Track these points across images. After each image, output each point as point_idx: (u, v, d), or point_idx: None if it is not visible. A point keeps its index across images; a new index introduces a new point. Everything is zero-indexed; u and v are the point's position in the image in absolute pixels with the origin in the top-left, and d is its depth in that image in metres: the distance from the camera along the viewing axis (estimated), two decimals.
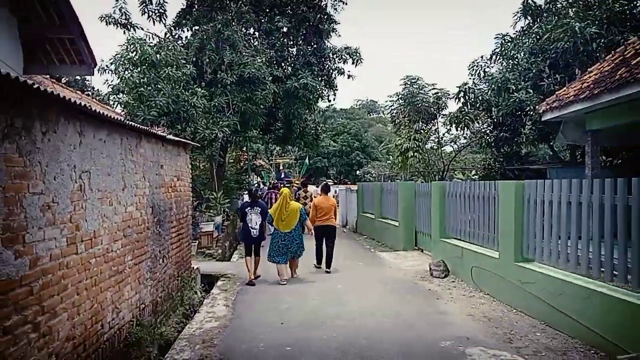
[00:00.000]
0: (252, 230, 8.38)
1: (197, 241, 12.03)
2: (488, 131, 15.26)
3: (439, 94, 14.97)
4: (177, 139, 7.14)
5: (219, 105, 13.23)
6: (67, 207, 3.66)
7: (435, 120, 15.15)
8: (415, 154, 13.90)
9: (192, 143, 8.25)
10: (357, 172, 36.99)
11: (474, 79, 16.48)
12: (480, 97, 15.80)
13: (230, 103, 13.48)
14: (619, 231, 4.81)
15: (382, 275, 8.80)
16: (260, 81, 13.68)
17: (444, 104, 15.00)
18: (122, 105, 12.54)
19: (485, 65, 16.49)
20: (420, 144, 14.05)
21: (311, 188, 29.94)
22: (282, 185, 21.95)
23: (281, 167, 37.41)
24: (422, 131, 14.23)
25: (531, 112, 12.83)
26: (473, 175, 19.77)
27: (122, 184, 4.87)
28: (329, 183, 18.89)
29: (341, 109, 55.40)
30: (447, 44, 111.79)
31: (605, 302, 4.76)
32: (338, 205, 12.80)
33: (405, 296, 7.15)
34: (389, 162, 35.78)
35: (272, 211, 8.50)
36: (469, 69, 16.39)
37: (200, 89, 12.72)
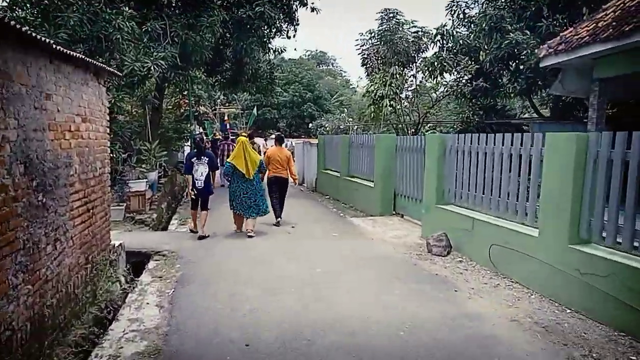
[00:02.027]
0: (197, 181, 7.94)
1: (125, 204, 9.56)
2: (464, 81, 13.42)
3: (419, 34, 12.86)
4: (79, 56, 4.62)
5: (152, 32, 10.38)
6: None
7: (414, 65, 13.11)
8: (391, 102, 11.87)
9: (109, 69, 5.71)
10: (310, 125, 34.72)
11: (453, 20, 14.53)
12: (460, 41, 13.93)
13: (168, 30, 10.65)
14: None
15: (367, 251, 6.91)
16: (206, 4, 10.89)
17: (425, 46, 12.94)
18: (20, 24, 9.46)
19: (465, 6, 14.53)
20: (397, 90, 12.00)
21: (258, 141, 27.59)
22: (229, 136, 19.56)
23: (226, 118, 34.41)
24: (398, 76, 12.15)
25: (527, 57, 11.13)
26: (429, 130, 18.07)
27: None
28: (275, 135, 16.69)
29: (290, 59, 52.06)
30: None
31: None
32: (294, 160, 11.14)
33: (410, 285, 5.30)
34: (344, 114, 33.77)
35: (233, 159, 8.07)
36: (447, 10, 14.38)
37: (128, 8, 9.82)
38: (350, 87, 60.76)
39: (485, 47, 12.10)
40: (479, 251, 6.15)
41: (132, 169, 10.49)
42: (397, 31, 12.47)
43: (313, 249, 7.00)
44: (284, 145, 9.64)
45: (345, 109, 34.11)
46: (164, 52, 10.27)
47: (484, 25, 11.89)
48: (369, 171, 10.69)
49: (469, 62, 12.91)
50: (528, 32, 11.22)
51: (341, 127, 30.71)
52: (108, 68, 5.76)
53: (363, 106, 34.54)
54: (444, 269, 5.99)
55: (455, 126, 13.87)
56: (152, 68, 9.87)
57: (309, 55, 66.83)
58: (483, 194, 6.36)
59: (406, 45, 12.43)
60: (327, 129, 32.82)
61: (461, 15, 14.45)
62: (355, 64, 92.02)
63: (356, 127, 29.27)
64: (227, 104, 38.88)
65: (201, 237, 7.75)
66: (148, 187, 10.63)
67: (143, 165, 10.87)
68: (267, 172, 8.88)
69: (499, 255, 5.72)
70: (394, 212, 9.81)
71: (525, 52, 11.01)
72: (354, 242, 7.52)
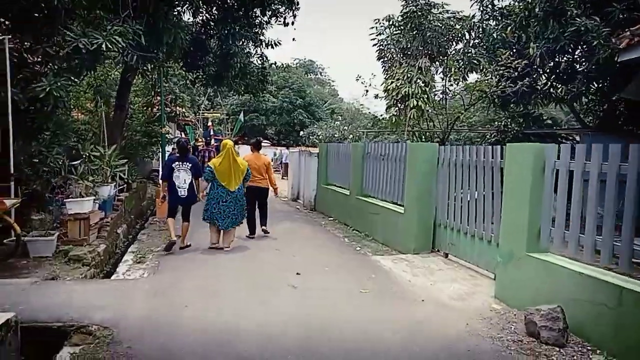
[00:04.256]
0: (179, 189, 7.23)
1: (57, 232, 6.76)
2: (504, 81, 10.92)
3: (452, 20, 10.35)
4: None
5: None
6: None
7: (445, 58, 10.59)
8: (420, 103, 9.29)
9: None
10: (301, 132, 32.05)
11: (482, 11, 12.17)
12: (494, 35, 11.54)
13: None
14: None
15: (429, 331, 4.21)
16: None
17: (460, 35, 10.44)
18: None
19: None
20: (427, 89, 9.44)
21: (245, 149, 24.93)
22: (212, 142, 17.09)
23: (210, 124, 31.69)
24: (426, 71, 9.61)
25: (597, 49, 8.70)
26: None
27: None
28: (265, 143, 14.24)
29: (278, 67, 49.64)
30: None
31: None
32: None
33: None
34: (338, 122, 31.22)
35: (214, 164, 7.29)
36: (473, 0, 11.98)
37: None
38: (338, 97, 58.67)
39: (538, 34, 9.63)
40: (635, 343, 3.53)
41: (75, 182, 7.67)
42: (427, 14, 9.93)
43: (340, 330, 4.26)
44: (261, 151, 8.77)
45: (340, 117, 31.63)
46: (121, 27, 7.50)
47: (536, 10, 9.42)
48: (395, 191, 8.08)
49: (511, 58, 10.49)
50: (597, 19, 8.80)
51: (335, 135, 28.25)
52: None
53: (356, 114, 32.02)
54: None
55: (490, 136, 11.36)
56: (104, 46, 7.12)
57: (296, 64, 64.74)
58: None
59: (437, 33, 9.90)
60: (320, 137, 30.27)
61: (489, 7, 12.12)
62: (343, 74, 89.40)
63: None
64: (211, 109, 36.13)
65: (181, 248, 7.24)
66: (97, 207, 7.84)
67: (91, 178, 8.02)
68: None
69: None
70: (434, 249, 7.17)
71: (596, 42, 8.56)
72: (399, 310, 4.81)
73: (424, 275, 6.00)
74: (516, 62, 9.89)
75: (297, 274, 5.89)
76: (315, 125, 31.05)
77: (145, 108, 14.06)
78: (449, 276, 5.95)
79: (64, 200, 7.17)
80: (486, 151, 5.84)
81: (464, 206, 6.38)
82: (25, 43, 7.80)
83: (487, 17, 12.26)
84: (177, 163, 7.27)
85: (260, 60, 13.55)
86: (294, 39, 12.09)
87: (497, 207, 5.64)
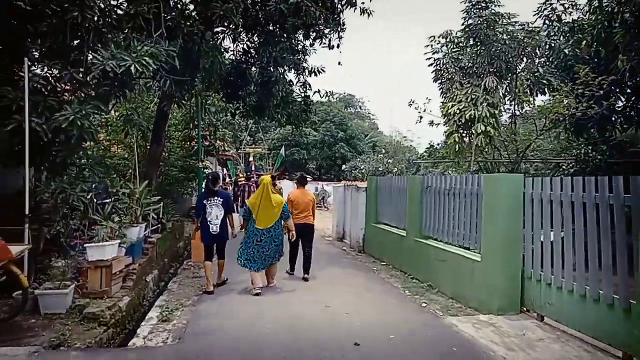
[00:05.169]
0: (210, 225, 6.94)
1: (74, 283, 5.85)
2: (584, 102, 9.47)
3: (521, 34, 9.09)
4: None
5: (139, 16, 6.96)
6: None
7: (515, 77, 9.30)
8: (489, 128, 8.01)
9: None
10: (343, 166, 31.01)
11: (548, 26, 10.88)
12: (565, 51, 10.20)
13: (162, 16, 7.23)
14: None
15: None
16: None
17: (531, 49, 9.16)
18: None
19: (561, 10, 10.83)
20: (495, 112, 8.16)
21: (287, 184, 24.11)
22: (253, 177, 16.35)
23: (251, 159, 31.33)
24: (493, 92, 8.35)
25: None
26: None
27: None
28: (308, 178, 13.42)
29: (318, 101, 49.50)
30: None
31: None
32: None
33: None
34: (381, 155, 30.05)
35: (251, 202, 7.00)
36: (536, 14, 10.72)
37: None
38: (378, 130, 58.08)
39: (622, 49, 8.26)
40: None
41: (99, 224, 6.78)
42: (494, 25, 8.73)
43: None
44: (306, 187, 8.44)
45: (383, 149, 30.48)
46: (153, 47, 6.74)
47: (626, 15, 8.08)
48: (466, 233, 6.73)
49: (591, 75, 9.09)
50: None
51: (379, 168, 27.07)
52: None
53: (398, 146, 30.72)
54: None
55: (567, 166, 9.82)
56: (133, 69, 6.36)
57: (337, 98, 64.79)
58: None
59: (505, 47, 8.67)
60: (363, 171, 29.15)
61: (556, 21, 10.81)
62: (382, 107, 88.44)
63: (395, 169, 25.70)
64: (252, 144, 35.92)
65: (218, 285, 7.09)
66: (123, 252, 6.92)
67: (117, 218, 7.13)
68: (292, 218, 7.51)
69: None
70: (522, 308, 5.73)
71: None
72: None
73: (522, 349, 4.58)
74: (600, 78, 8.47)
75: (356, 344, 4.62)
76: (358, 159, 29.96)
77: (183, 142, 13.42)
78: (555, 351, 4.51)
79: (85, 245, 6.28)
80: (601, 184, 4.47)
81: (566, 256, 4.97)
82: (54, 71, 7.20)
83: (554, 33, 10.98)
84: (207, 200, 7.05)
85: (302, 88, 12.71)
86: (339, 63, 11.12)
87: (622, 259, 4.24)
